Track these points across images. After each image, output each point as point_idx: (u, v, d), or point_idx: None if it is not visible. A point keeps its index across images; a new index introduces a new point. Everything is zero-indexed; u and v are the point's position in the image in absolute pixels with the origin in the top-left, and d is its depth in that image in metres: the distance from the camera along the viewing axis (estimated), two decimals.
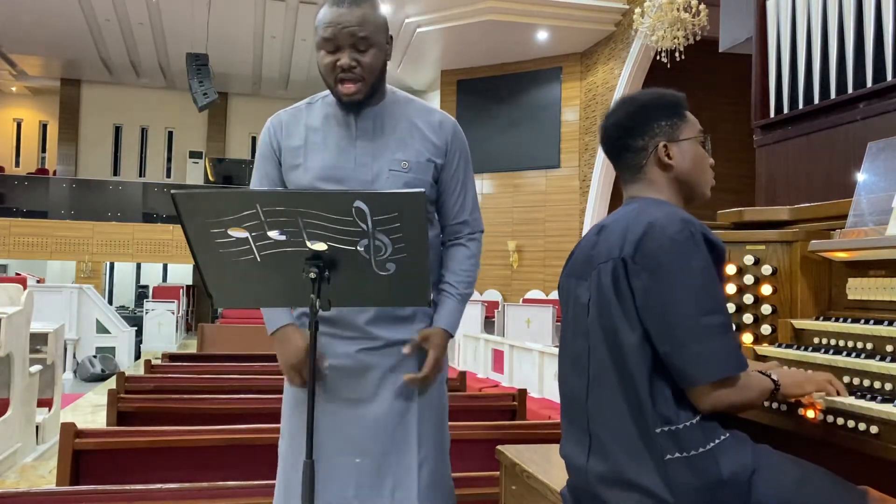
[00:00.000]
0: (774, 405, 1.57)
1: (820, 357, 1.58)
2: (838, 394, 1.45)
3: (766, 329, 1.77)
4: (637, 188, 1.56)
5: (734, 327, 1.78)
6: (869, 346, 1.53)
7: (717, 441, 1.34)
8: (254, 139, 18.13)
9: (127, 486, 2.11)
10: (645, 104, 1.55)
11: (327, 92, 1.81)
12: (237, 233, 1.32)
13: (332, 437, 1.72)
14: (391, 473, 1.71)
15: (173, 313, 11.96)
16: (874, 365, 1.45)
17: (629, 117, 1.55)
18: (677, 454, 1.32)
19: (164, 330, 11.79)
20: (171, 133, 17.96)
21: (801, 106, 2.40)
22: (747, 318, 1.81)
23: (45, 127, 17.81)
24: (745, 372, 1.38)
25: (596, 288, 1.44)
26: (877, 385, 1.45)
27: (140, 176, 17.52)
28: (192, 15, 12.44)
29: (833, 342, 1.64)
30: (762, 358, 1.73)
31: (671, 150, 1.53)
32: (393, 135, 1.78)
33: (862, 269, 1.66)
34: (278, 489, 1.79)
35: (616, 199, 10.81)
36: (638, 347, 1.36)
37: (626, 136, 1.55)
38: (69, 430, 2.40)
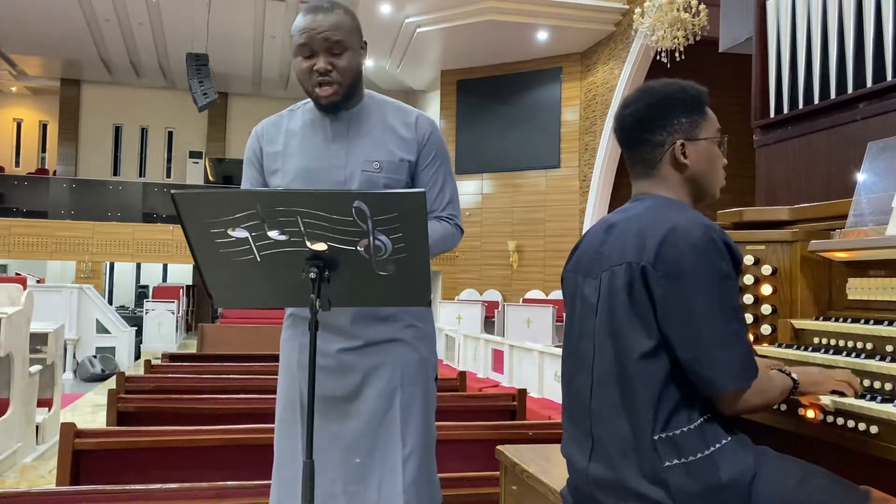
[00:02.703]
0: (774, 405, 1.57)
1: (820, 357, 1.58)
2: (856, 394, 1.44)
3: (766, 329, 1.77)
4: (647, 184, 1.52)
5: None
6: (869, 346, 1.53)
7: (717, 446, 1.33)
8: None
9: (127, 486, 2.11)
10: (667, 97, 1.49)
11: (308, 100, 1.86)
12: (237, 233, 1.32)
13: (319, 436, 1.73)
14: (377, 469, 1.73)
15: (173, 313, 11.96)
16: (874, 365, 1.45)
17: (649, 109, 1.49)
18: (676, 461, 1.31)
19: (164, 330, 11.78)
20: (171, 133, 17.96)
21: (801, 106, 2.40)
22: (747, 318, 1.81)
23: (45, 127, 17.81)
24: (765, 374, 1.37)
25: (607, 290, 1.42)
26: (877, 385, 1.45)
27: (140, 176, 17.51)
28: (192, 15, 12.43)
29: (833, 342, 1.64)
30: (762, 359, 1.72)
31: (688, 149, 1.48)
32: (367, 136, 1.81)
33: (862, 269, 1.66)
34: (273, 490, 1.81)
35: (616, 200, 10.80)
36: (646, 354, 1.34)
37: (643, 129, 1.49)
38: (69, 430, 2.40)
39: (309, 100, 1.85)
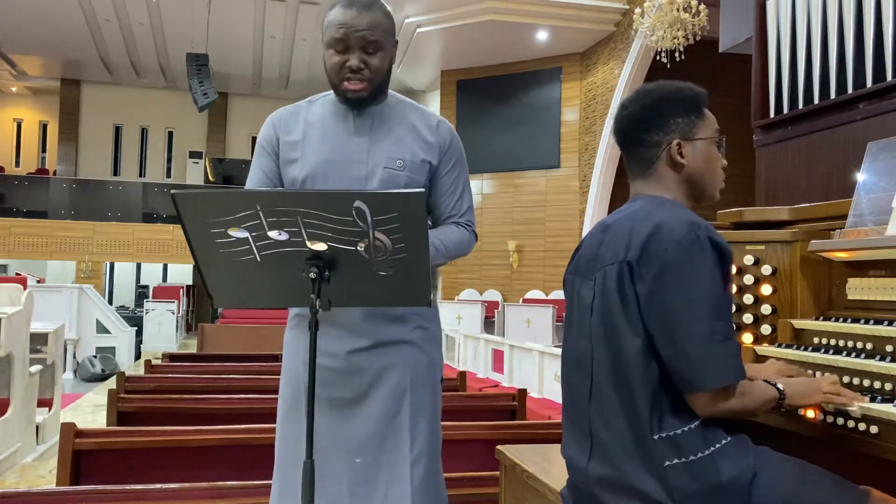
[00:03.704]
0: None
1: (820, 357, 1.58)
2: (846, 403, 1.42)
3: (766, 329, 1.77)
4: (645, 184, 1.53)
5: (734, 328, 1.78)
6: (869, 346, 1.53)
7: (716, 445, 1.33)
8: (254, 139, 18.11)
9: (127, 486, 2.11)
10: (663, 98, 1.50)
11: (328, 92, 1.84)
12: (237, 233, 1.32)
13: (325, 437, 1.72)
14: (384, 472, 1.72)
15: (173, 313, 11.96)
16: (874, 365, 1.45)
17: (645, 110, 1.51)
18: (676, 460, 1.31)
19: (164, 330, 11.78)
20: (171, 133, 17.96)
21: (801, 106, 2.40)
22: (747, 318, 1.81)
23: (45, 127, 17.81)
24: (748, 380, 1.37)
25: (601, 290, 1.42)
26: (877, 385, 1.45)
27: (140, 176, 17.52)
28: (192, 15, 12.43)
29: (833, 342, 1.63)
30: (762, 358, 1.73)
31: (685, 148, 1.49)
32: (390, 134, 1.80)
33: (862, 269, 1.66)
34: (273, 491, 1.79)
35: (616, 200, 10.80)
36: (639, 353, 1.35)
37: (640, 129, 1.51)
38: (69, 430, 2.40)
39: (329, 92, 1.83)
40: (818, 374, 1.57)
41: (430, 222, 1.90)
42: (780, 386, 1.41)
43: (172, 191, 1.32)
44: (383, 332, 1.76)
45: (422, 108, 1.89)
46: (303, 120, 1.83)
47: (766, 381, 1.43)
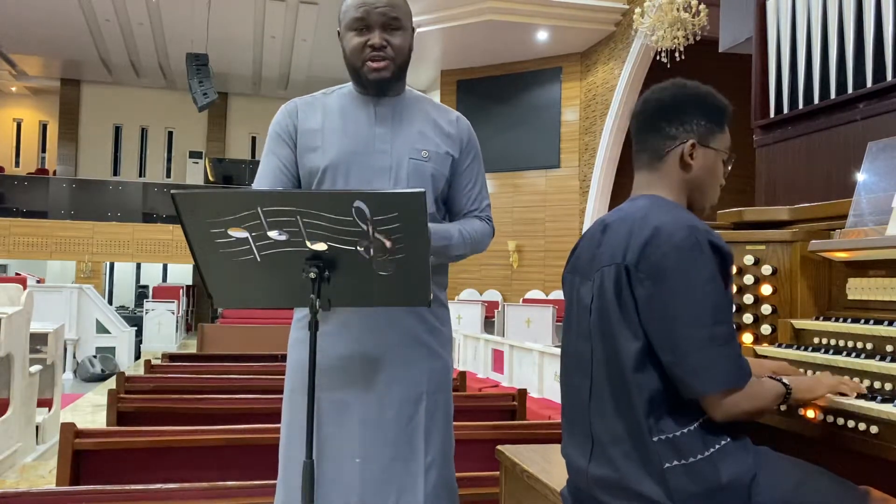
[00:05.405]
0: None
1: (820, 357, 1.58)
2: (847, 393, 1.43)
3: (766, 329, 1.77)
4: (648, 176, 1.52)
5: (735, 330, 1.78)
6: (869, 346, 1.53)
7: (716, 447, 1.33)
8: (254, 139, 18.14)
9: (127, 486, 2.11)
10: (695, 95, 1.51)
11: (344, 85, 1.83)
12: (237, 233, 1.32)
13: (338, 441, 1.69)
14: (397, 478, 1.69)
15: (173, 313, 11.96)
16: (874, 365, 1.45)
17: (674, 99, 1.50)
18: (676, 462, 1.31)
19: (164, 330, 11.79)
20: (171, 133, 17.97)
21: (801, 106, 2.40)
22: (747, 318, 1.81)
23: (45, 127, 17.82)
24: (756, 379, 1.36)
25: (598, 291, 1.42)
26: (877, 385, 1.45)
27: (140, 176, 17.53)
28: (192, 15, 12.44)
29: (833, 342, 1.63)
30: (762, 358, 1.73)
31: (697, 151, 1.49)
32: (412, 125, 1.78)
33: (862, 269, 1.66)
34: (279, 491, 1.76)
35: (616, 200, 10.80)
36: (637, 356, 1.34)
37: (662, 117, 1.50)
38: (69, 430, 2.40)
39: (344, 85, 1.82)
40: (818, 373, 1.57)
41: (448, 217, 1.90)
42: (785, 381, 1.41)
43: (172, 191, 1.32)
44: (400, 334, 1.74)
45: (439, 104, 1.89)
46: (321, 110, 1.80)
47: (771, 377, 1.43)
